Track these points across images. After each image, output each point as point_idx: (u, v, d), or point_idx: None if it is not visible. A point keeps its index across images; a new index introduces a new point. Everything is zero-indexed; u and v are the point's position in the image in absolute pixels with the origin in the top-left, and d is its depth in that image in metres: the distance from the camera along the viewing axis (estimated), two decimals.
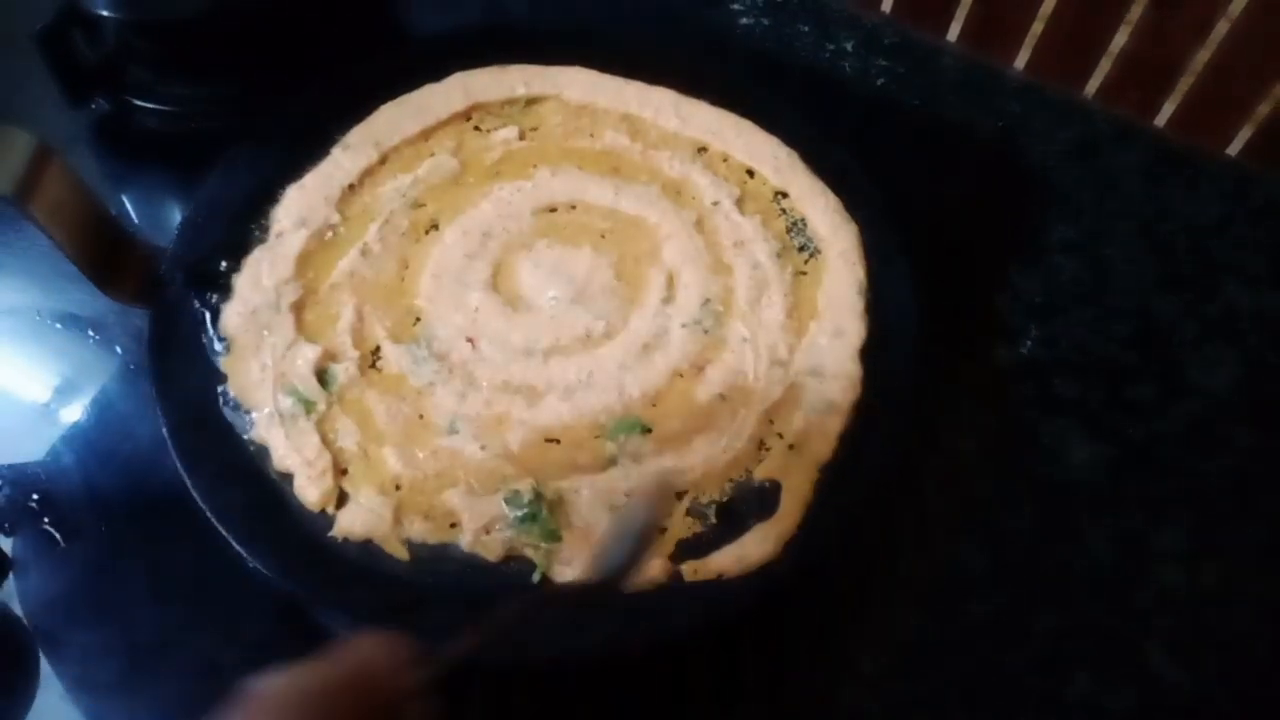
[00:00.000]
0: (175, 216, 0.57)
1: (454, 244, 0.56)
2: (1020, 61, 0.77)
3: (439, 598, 0.45)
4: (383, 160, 0.59)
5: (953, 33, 0.79)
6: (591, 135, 0.61)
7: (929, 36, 0.77)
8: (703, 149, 0.61)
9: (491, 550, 0.46)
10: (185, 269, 0.53)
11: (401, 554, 0.46)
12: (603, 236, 0.57)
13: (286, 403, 0.49)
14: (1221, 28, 0.69)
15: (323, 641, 0.49)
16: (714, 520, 0.48)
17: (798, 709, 0.50)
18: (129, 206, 0.65)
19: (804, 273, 0.57)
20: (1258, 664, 0.52)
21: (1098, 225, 0.69)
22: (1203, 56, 0.71)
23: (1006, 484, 0.58)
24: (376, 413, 0.50)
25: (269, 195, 0.57)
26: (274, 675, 0.28)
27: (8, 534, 0.52)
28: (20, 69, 0.67)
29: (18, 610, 0.50)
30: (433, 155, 0.59)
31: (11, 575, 0.51)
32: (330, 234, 0.56)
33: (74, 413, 0.57)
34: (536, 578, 0.46)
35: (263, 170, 0.57)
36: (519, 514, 0.47)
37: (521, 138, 0.61)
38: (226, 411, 0.49)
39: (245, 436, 0.49)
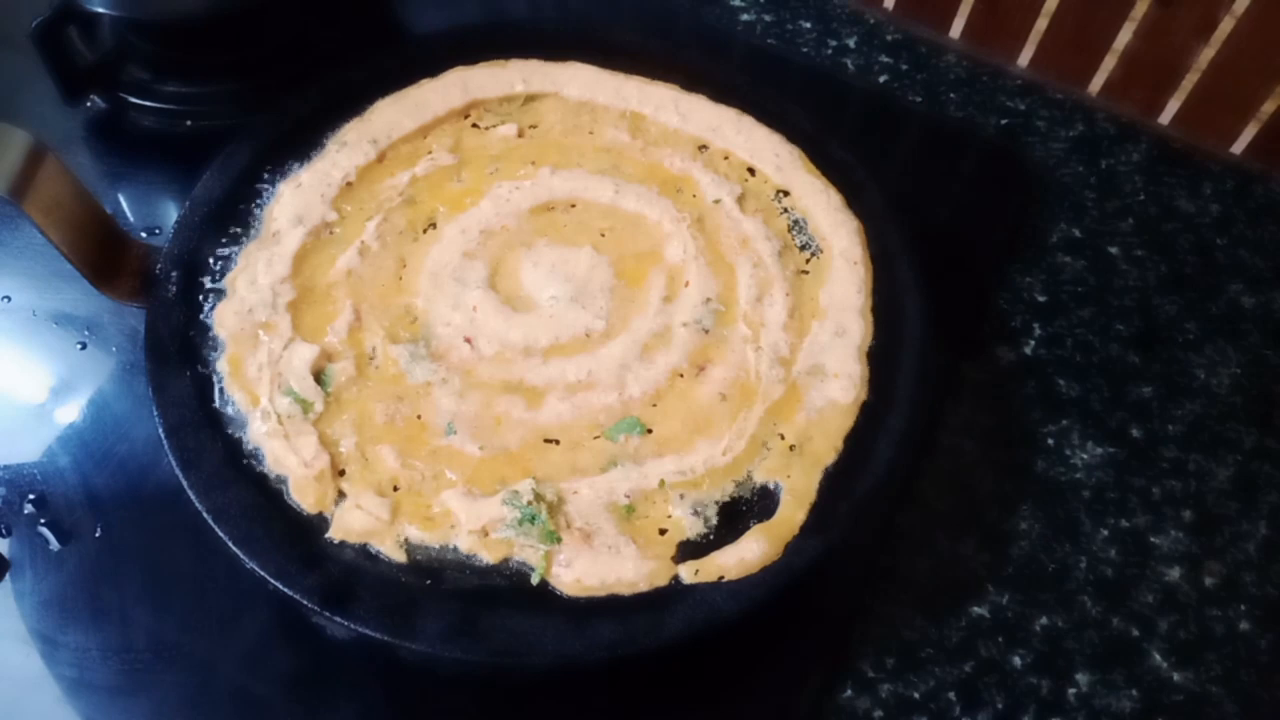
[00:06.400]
0: (171, 214, 0.57)
1: (452, 242, 0.56)
2: (1023, 59, 0.77)
3: (437, 600, 0.45)
4: (380, 158, 0.58)
5: (955, 30, 0.78)
6: (591, 132, 0.61)
7: (931, 33, 0.77)
8: (703, 146, 0.61)
9: (490, 552, 0.46)
10: (181, 267, 0.53)
11: (399, 555, 0.46)
12: (603, 235, 0.57)
13: (284, 403, 0.49)
14: (1226, 25, 0.68)
15: (320, 642, 0.50)
16: (715, 521, 0.48)
17: (798, 709, 0.50)
18: (125, 205, 0.65)
19: (806, 271, 0.57)
20: (1258, 664, 0.52)
21: (1100, 224, 0.68)
22: (1207, 54, 0.71)
23: (1007, 484, 0.58)
24: (374, 413, 0.50)
25: (265, 193, 0.56)
26: None
27: (4, 535, 0.52)
28: (17, 68, 0.66)
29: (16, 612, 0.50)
30: (430, 153, 0.59)
31: (8, 576, 0.50)
32: (327, 232, 0.55)
33: (70, 413, 0.56)
34: (535, 579, 0.46)
35: (259, 168, 0.57)
36: (518, 515, 0.46)
37: (520, 135, 0.61)
38: (223, 412, 0.49)
39: (242, 437, 0.48)
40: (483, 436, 0.49)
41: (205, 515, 0.45)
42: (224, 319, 0.51)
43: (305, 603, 0.43)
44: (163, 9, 0.64)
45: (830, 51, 0.75)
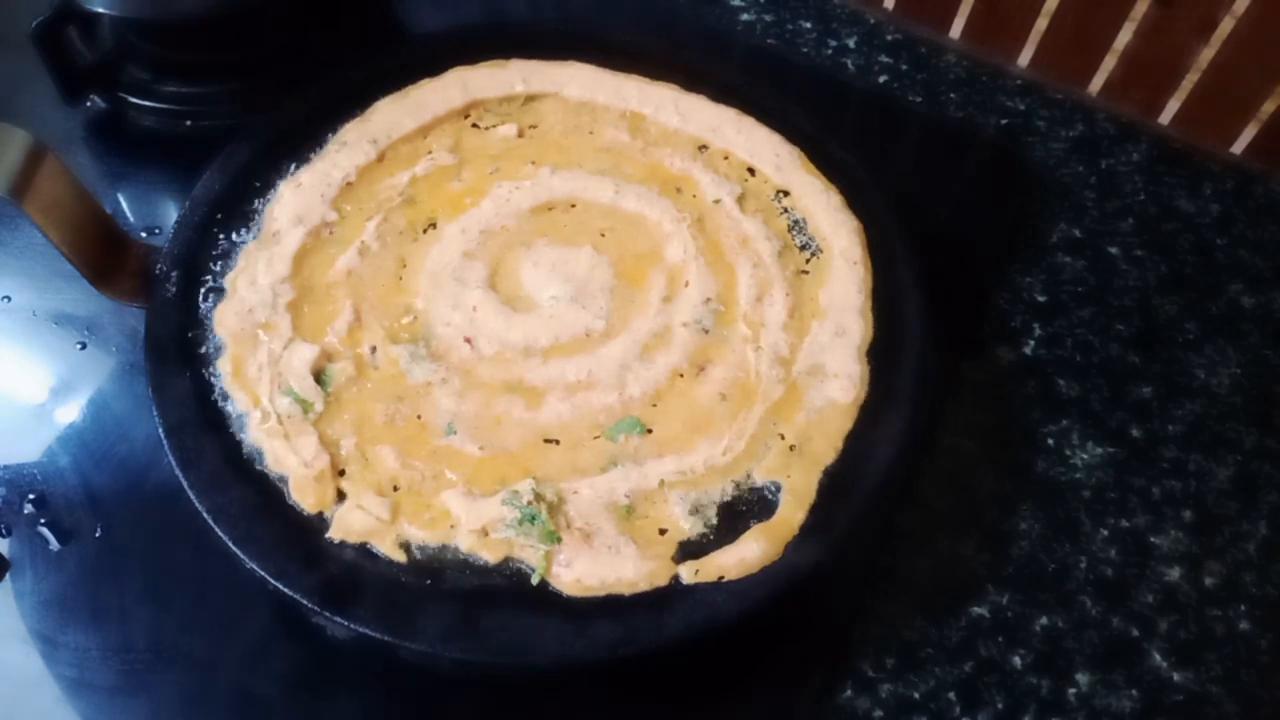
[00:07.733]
0: (171, 214, 0.57)
1: (452, 242, 0.56)
2: (1023, 59, 0.77)
3: (437, 600, 0.45)
4: (380, 158, 0.58)
5: (955, 29, 0.78)
6: (591, 133, 0.61)
7: (931, 33, 0.77)
8: (703, 146, 0.61)
9: (490, 552, 0.46)
10: (181, 267, 0.53)
11: (399, 556, 0.46)
12: (603, 235, 0.57)
13: (284, 403, 0.49)
14: (1226, 25, 0.68)
15: (320, 642, 0.50)
16: (715, 521, 0.48)
17: (798, 709, 0.50)
18: (125, 205, 0.65)
19: (805, 272, 0.57)
20: (1258, 664, 0.52)
21: (1100, 224, 0.68)
22: (1207, 54, 0.71)
23: (1007, 484, 0.58)
24: (374, 413, 0.50)
25: (265, 193, 0.56)
26: None
27: (4, 535, 0.52)
28: (17, 68, 0.66)
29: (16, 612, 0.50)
30: (430, 153, 0.59)
31: (8, 576, 0.50)
32: (327, 232, 0.55)
33: (70, 413, 0.56)
34: (535, 579, 0.46)
35: (259, 168, 0.57)
36: (518, 515, 0.46)
37: (520, 135, 0.61)
38: (223, 412, 0.49)
39: (242, 437, 0.48)
40: (483, 436, 0.49)
41: (205, 515, 0.45)
42: (224, 319, 0.51)
43: (305, 603, 0.43)
44: (163, 9, 0.64)
45: (830, 51, 0.75)
